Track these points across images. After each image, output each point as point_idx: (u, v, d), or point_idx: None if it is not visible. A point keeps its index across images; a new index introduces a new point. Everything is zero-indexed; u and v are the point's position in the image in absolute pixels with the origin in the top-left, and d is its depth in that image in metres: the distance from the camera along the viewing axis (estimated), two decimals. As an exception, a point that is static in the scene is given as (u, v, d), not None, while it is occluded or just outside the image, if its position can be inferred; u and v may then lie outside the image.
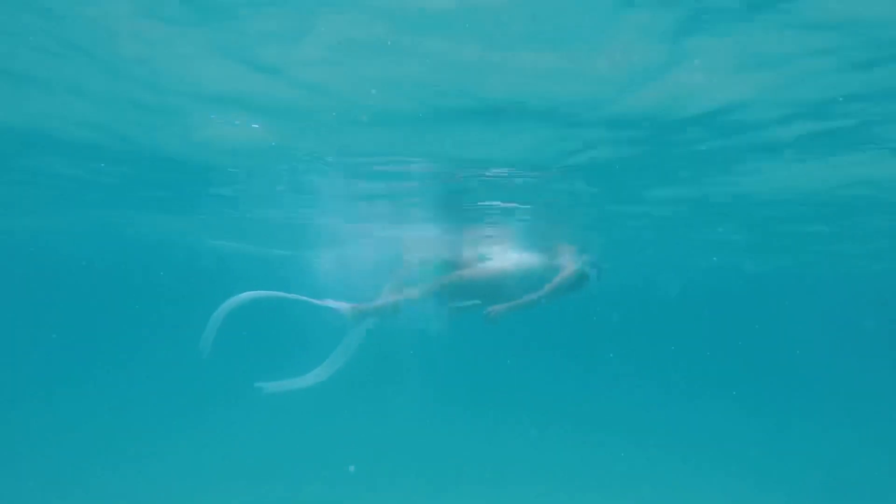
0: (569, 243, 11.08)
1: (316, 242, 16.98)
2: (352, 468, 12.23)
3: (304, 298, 6.54)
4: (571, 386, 28.74)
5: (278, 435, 15.71)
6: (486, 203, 10.21)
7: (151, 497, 11.14)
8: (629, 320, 41.50)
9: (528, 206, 10.39)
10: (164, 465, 12.89)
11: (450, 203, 10.39)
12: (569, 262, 7.85)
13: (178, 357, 27.89)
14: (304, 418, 16.69)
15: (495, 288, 7.07)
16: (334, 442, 15.46)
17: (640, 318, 40.35)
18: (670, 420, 21.50)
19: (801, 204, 10.15)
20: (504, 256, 7.71)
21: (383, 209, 11.23)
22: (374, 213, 11.73)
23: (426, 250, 14.49)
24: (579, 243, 13.78)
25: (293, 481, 12.38)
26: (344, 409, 18.68)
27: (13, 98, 6.57)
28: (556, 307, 9.86)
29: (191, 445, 14.49)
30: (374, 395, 21.24)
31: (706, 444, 17.86)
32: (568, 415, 20.65)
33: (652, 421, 21.06)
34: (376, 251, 15.52)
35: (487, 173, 8.42)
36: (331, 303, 6.59)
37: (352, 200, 10.73)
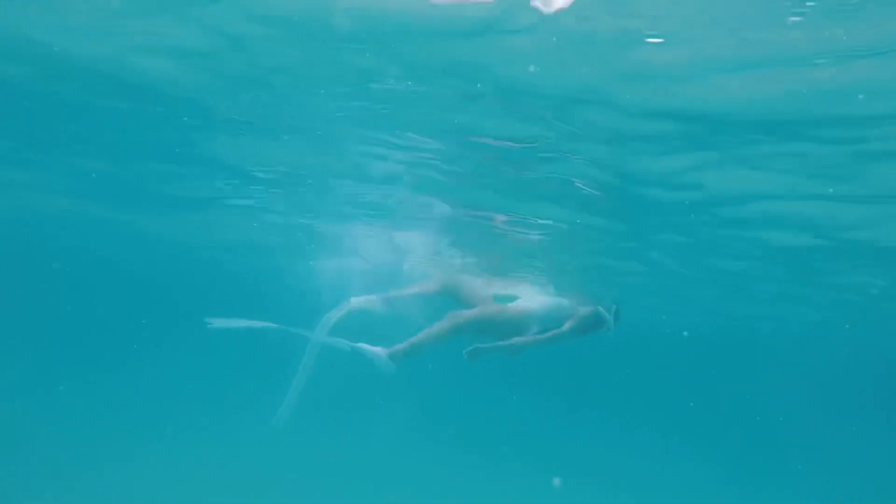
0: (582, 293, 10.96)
1: (316, 251, 16.43)
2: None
3: (339, 341, 6.25)
4: (559, 426, 28.73)
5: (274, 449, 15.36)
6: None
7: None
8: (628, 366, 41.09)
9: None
10: (159, 471, 12.56)
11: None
12: (585, 305, 7.71)
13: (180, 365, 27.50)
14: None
15: (518, 328, 6.87)
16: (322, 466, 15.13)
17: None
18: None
19: None
20: (529, 297, 7.52)
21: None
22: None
23: (433, 270, 14.09)
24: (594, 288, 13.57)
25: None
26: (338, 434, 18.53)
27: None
28: (567, 348, 9.73)
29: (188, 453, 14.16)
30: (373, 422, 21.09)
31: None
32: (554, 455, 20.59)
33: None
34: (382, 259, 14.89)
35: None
36: (366, 347, 6.20)
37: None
